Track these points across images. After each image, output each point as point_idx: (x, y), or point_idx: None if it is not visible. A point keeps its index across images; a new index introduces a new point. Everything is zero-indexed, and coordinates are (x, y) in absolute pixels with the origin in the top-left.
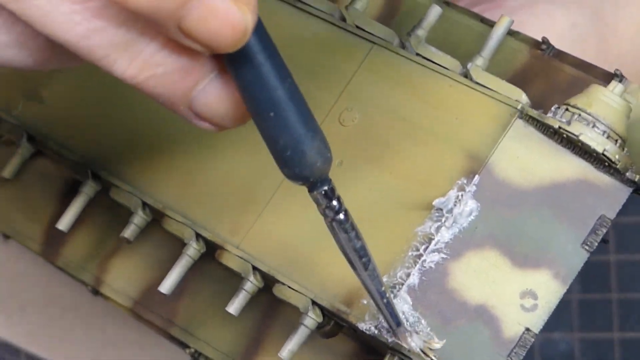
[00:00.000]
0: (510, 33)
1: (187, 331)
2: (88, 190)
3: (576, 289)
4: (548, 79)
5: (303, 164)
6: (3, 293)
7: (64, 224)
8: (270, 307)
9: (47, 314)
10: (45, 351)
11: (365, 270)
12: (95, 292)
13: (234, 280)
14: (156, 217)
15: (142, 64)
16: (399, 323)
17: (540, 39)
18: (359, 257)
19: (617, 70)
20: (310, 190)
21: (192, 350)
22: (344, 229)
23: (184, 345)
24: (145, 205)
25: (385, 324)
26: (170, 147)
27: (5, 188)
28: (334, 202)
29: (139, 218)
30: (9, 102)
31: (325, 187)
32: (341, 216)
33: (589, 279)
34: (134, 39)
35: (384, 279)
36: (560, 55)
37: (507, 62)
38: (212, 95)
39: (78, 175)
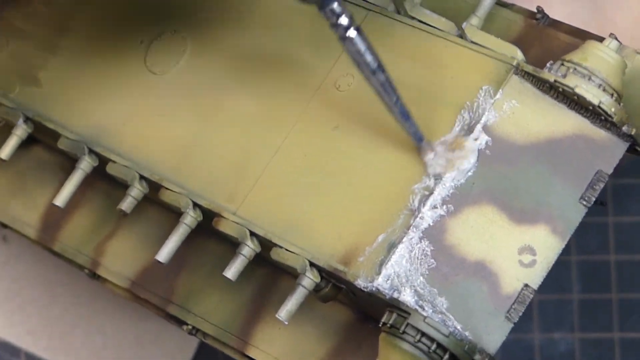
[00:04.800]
0: (506, 5)
1: (184, 308)
2: (84, 165)
3: (576, 289)
4: (543, 46)
5: None
6: (3, 293)
7: (60, 199)
8: (268, 282)
9: (47, 314)
10: (45, 351)
11: (380, 86)
12: (93, 274)
13: (232, 255)
14: (152, 197)
15: None
16: (421, 138)
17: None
18: (371, 71)
19: (612, 34)
20: (320, 8)
21: (190, 327)
22: (355, 46)
23: (181, 322)
24: (141, 178)
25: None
26: (165, 120)
27: (1, 176)
28: (343, 18)
29: (136, 190)
30: (6, 86)
31: (334, 4)
32: (352, 33)
33: (589, 279)
34: None
35: (382, 236)
36: (555, 23)
37: (503, 32)
38: None
39: (75, 152)
